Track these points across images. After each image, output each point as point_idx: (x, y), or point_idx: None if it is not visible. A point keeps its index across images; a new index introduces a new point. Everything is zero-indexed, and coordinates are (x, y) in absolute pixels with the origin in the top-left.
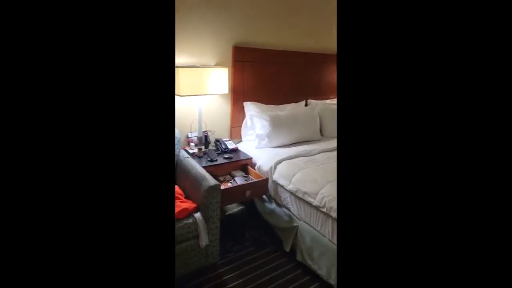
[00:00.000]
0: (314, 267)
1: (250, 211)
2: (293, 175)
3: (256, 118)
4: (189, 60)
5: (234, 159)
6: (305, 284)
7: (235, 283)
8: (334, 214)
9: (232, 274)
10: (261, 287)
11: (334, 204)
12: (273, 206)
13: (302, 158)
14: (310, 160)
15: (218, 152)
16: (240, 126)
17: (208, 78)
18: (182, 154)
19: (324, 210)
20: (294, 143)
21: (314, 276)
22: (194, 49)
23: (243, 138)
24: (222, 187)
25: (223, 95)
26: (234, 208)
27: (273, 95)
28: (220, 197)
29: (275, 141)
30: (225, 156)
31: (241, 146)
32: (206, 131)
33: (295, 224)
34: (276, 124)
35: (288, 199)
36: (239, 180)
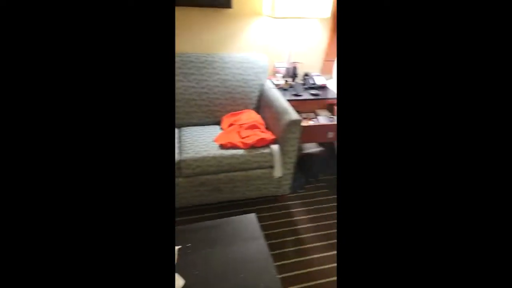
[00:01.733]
0: None
1: (328, 153)
2: None
3: None
4: None
5: (320, 97)
6: None
7: (301, 217)
8: None
9: (300, 209)
10: (327, 228)
11: None
12: None
13: None
14: None
15: (305, 87)
16: (334, 60)
17: None
18: (267, 84)
19: None
20: None
21: None
22: None
23: (334, 75)
24: (304, 124)
25: (321, 21)
26: (312, 148)
27: None
28: (300, 133)
29: None
30: (312, 92)
31: (331, 84)
32: (295, 62)
33: None
34: None
35: None
36: (323, 119)
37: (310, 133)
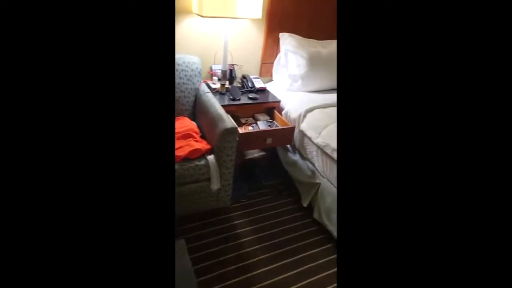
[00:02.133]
0: (331, 228)
1: (271, 158)
2: (325, 127)
3: (292, 54)
4: None
5: (259, 101)
6: (318, 243)
7: (245, 229)
8: None
9: (244, 220)
10: (271, 238)
11: None
12: (296, 157)
13: None
14: None
15: (243, 90)
16: (273, 62)
17: None
18: (202, 88)
19: None
20: (333, 89)
21: (329, 237)
22: None
23: (274, 77)
24: (242, 130)
25: (255, 20)
26: (254, 153)
27: (318, 27)
28: (238, 141)
29: (311, 84)
30: (250, 96)
31: (270, 86)
32: (232, 64)
33: (317, 181)
34: (314, 63)
35: (314, 153)
36: (262, 125)
37: (248, 140)
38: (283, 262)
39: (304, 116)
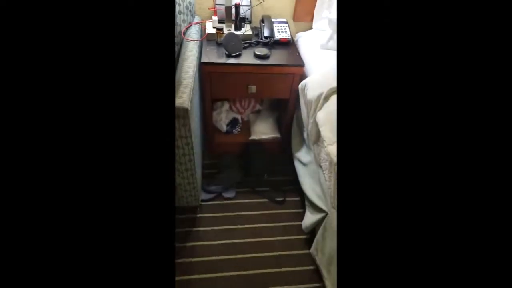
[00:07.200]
0: (327, 283)
1: (282, 145)
2: None
3: None
4: None
5: (269, 62)
6: (305, 280)
7: (211, 242)
8: None
9: (213, 228)
10: (238, 250)
11: None
12: (309, 157)
13: None
14: None
15: (253, 42)
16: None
17: None
18: (188, 32)
19: None
20: None
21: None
22: None
23: (314, 24)
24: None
25: None
26: (262, 134)
27: None
28: (210, 83)
29: None
30: (258, 52)
31: (303, 39)
32: None
33: (324, 209)
34: None
35: (328, 165)
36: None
37: (223, 83)
38: None
39: (325, 99)
